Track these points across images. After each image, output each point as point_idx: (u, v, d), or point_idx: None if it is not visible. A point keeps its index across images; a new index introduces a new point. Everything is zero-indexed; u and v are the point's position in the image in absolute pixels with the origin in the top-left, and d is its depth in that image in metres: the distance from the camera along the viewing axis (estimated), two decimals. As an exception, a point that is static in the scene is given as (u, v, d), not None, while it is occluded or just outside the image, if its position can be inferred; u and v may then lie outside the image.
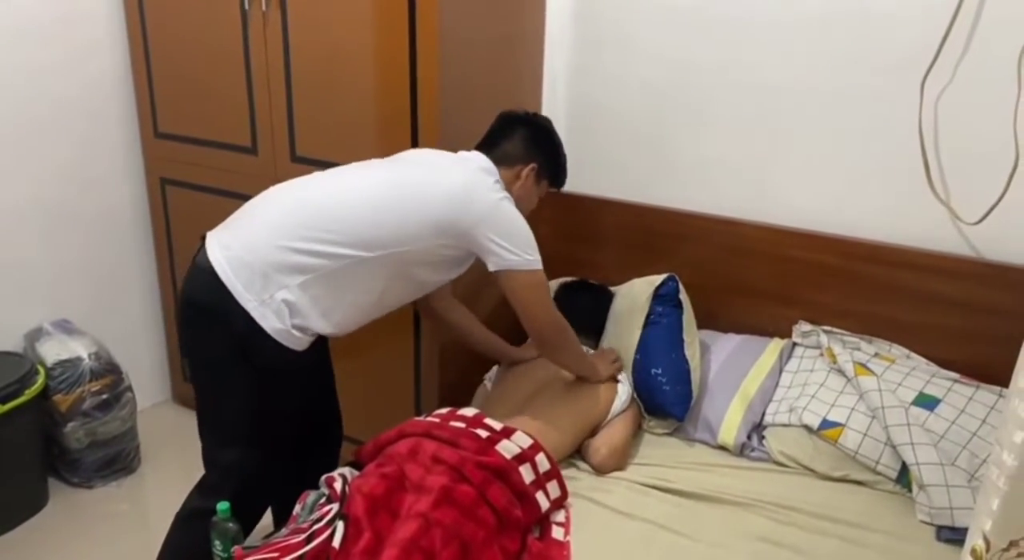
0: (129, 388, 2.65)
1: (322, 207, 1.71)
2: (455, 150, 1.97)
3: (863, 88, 2.04)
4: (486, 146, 1.89)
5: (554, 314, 1.84)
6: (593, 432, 1.93)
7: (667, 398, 2.00)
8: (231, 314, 1.65)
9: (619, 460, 1.88)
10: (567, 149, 2.46)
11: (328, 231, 1.66)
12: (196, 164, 2.64)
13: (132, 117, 2.77)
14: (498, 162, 1.84)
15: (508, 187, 1.82)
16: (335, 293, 1.70)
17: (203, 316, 1.71)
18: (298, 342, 1.70)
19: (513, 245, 1.72)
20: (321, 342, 1.79)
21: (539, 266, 1.76)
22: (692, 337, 2.11)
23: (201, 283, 1.69)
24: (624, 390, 2.00)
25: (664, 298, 2.15)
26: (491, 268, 1.74)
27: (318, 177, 1.81)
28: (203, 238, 1.76)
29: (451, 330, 2.13)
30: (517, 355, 2.13)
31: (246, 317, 1.64)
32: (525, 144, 1.89)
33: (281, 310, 1.65)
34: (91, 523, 2.45)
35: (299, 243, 1.66)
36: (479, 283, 1.99)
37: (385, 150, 2.16)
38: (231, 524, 1.59)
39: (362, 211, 1.70)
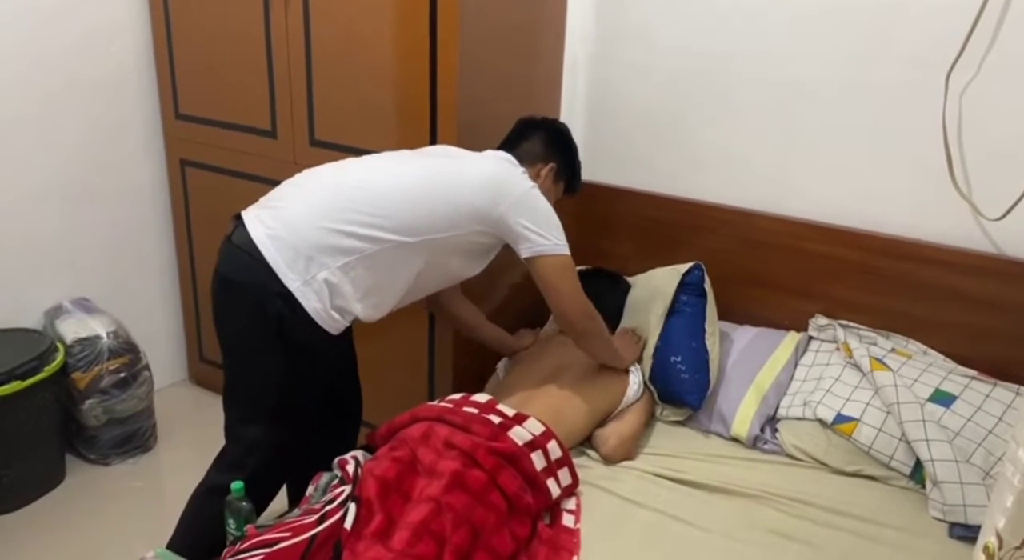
0: (146, 367, 2.67)
1: (366, 191, 1.73)
2: (472, 140, 2.00)
3: (887, 81, 2.01)
4: (506, 145, 1.94)
5: (584, 300, 1.84)
6: (604, 421, 1.93)
7: (685, 386, 2.00)
8: (270, 293, 1.67)
9: (628, 450, 1.88)
10: (586, 138, 2.47)
11: (372, 215, 1.69)
12: (216, 146, 2.65)
13: (153, 98, 2.78)
14: (519, 160, 1.88)
15: None
16: (374, 276, 1.73)
17: (239, 294, 1.73)
18: (335, 325, 1.73)
19: (544, 230, 1.75)
20: (349, 328, 1.82)
21: (568, 251, 1.79)
22: (713, 327, 2.11)
23: (239, 262, 1.70)
24: (636, 380, 2.00)
25: (689, 287, 2.15)
26: (523, 254, 1.77)
27: (356, 163, 1.84)
28: (236, 217, 1.77)
29: (459, 324, 2.19)
30: (515, 345, 2.19)
31: (286, 296, 1.66)
32: (544, 145, 1.95)
33: (322, 291, 1.68)
34: (107, 499, 2.48)
35: (344, 225, 1.68)
36: (487, 278, 2.00)
37: (404, 135, 2.17)
38: (245, 503, 1.61)
39: (403, 198, 1.73)
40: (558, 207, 2.01)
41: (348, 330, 1.86)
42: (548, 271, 1.77)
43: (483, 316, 2.16)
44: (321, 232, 1.68)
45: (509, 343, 2.19)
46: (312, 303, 1.67)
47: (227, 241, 1.76)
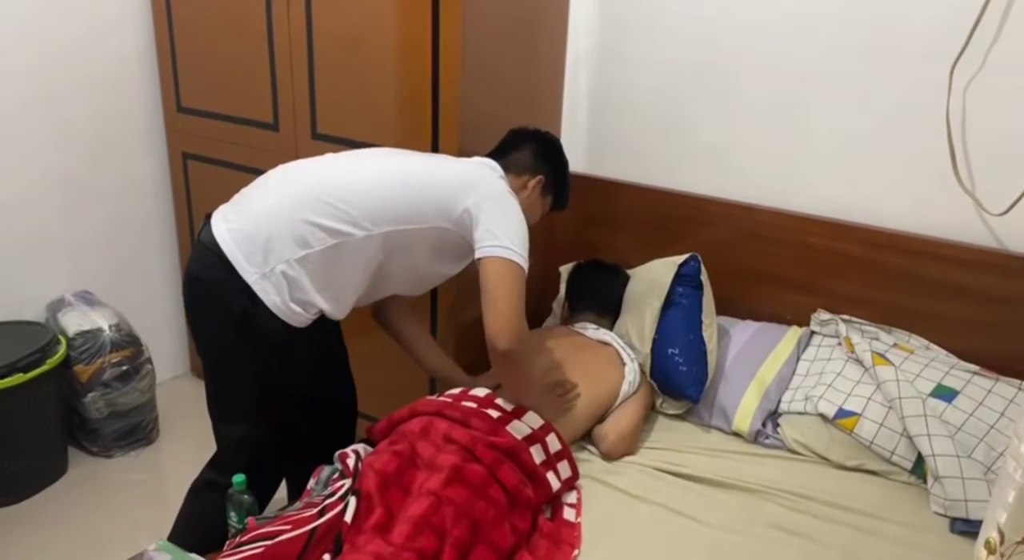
0: (149, 360, 2.68)
1: (332, 183, 1.71)
2: (474, 134, 2.00)
3: (890, 74, 2.00)
4: (495, 154, 1.91)
5: (521, 321, 1.65)
6: (603, 416, 1.93)
7: (683, 379, 1.99)
8: (232, 290, 1.66)
9: (628, 446, 1.88)
10: (589, 132, 2.47)
11: (335, 206, 1.67)
12: (217, 139, 2.65)
13: (155, 91, 2.78)
14: (506, 169, 1.85)
15: (515, 193, 1.81)
16: (331, 269, 1.70)
17: (206, 293, 1.73)
18: (298, 319, 1.70)
19: (505, 234, 1.65)
20: (329, 322, 1.80)
21: (523, 264, 1.65)
22: (711, 318, 2.10)
23: (204, 261, 1.70)
24: (631, 370, 1.99)
25: (685, 278, 2.15)
26: (476, 253, 1.67)
27: (329, 157, 1.82)
28: (207, 217, 1.76)
29: (404, 345, 2.07)
30: (471, 383, 1.96)
31: (247, 292, 1.65)
32: (534, 156, 1.91)
33: (280, 284, 1.66)
34: (110, 492, 2.49)
35: (307, 215, 1.66)
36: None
37: (406, 129, 2.17)
38: (246, 496, 1.61)
39: (368, 189, 1.71)
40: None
41: (329, 324, 1.83)
42: (491, 273, 1.63)
43: (431, 341, 2.07)
44: (281, 222, 1.66)
45: (461, 379, 2.00)
46: (271, 297, 1.66)
47: (196, 241, 1.75)
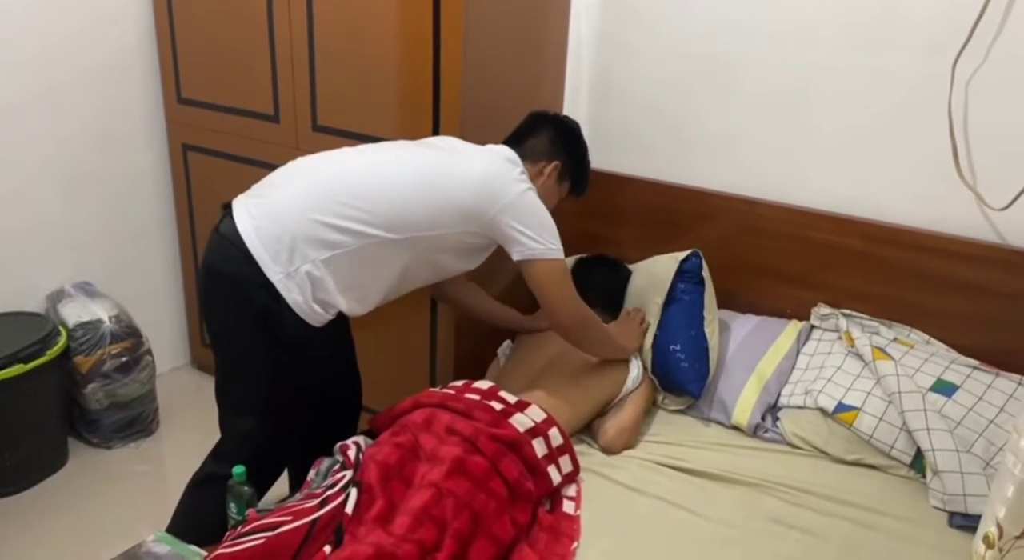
0: (149, 352, 2.68)
1: (355, 185, 1.71)
2: (475, 125, 1.99)
3: (893, 68, 2.00)
4: (512, 140, 1.91)
5: (578, 305, 1.82)
6: (604, 410, 1.93)
7: (685, 375, 2.00)
8: (254, 285, 1.65)
9: (627, 441, 1.88)
10: (591, 124, 2.46)
11: (360, 210, 1.67)
12: (218, 131, 2.65)
13: (156, 82, 2.77)
14: (523, 156, 1.85)
15: (531, 181, 1.82)
16: (357, 271, 1.71)
17: (226, 287, 1.71)
18: (318, 318, 1.70)
19: (536, 234, 1.72)
20: (341, 317, 1.80)
21: (561, 256, 1.76)
22: (712, 314, 2.10)
23: (225, 253, 1.69)
24: (636, 366, 2.00)
25: (687, 274, 2.14)
26: (515, 257, 1.75)
27: (349, 153, 1.81)
28: (225, 207, 1.75)
29: (467, 311, 2.17)
30: (530, 325, 2.16)
31: (270, 289, 1.65)
32: (551, 142, 1.91)
33: (304, 284, 1.66)
34: (109, 483, 2.49)
35: (331, 218, 1.66)
36: (492, 263, 1.97)
37: (407, 121, 2.17)
38: (246, 487, 1.61)
39: (394, 193, 1.71)
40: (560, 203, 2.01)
41: (342, 320, 1.84)
42: (539, 276, 1.75)
43: (490, 299, 2.14)
44: (306, 224, 1.65)
45: (525, 323, 2.17)
46: (293, 296, 1.65)
47: (215, 231, 1.74)
